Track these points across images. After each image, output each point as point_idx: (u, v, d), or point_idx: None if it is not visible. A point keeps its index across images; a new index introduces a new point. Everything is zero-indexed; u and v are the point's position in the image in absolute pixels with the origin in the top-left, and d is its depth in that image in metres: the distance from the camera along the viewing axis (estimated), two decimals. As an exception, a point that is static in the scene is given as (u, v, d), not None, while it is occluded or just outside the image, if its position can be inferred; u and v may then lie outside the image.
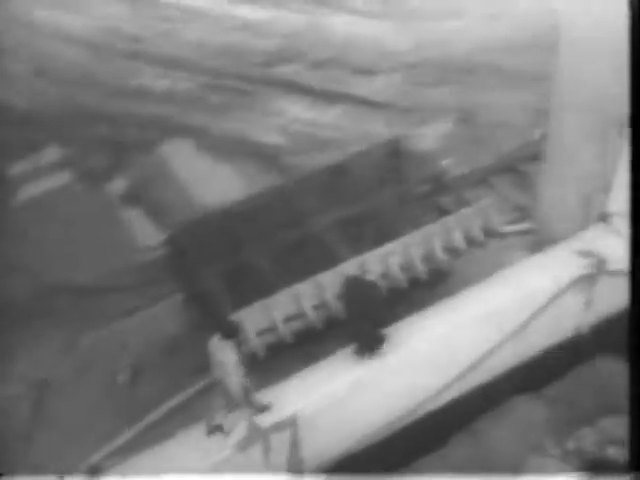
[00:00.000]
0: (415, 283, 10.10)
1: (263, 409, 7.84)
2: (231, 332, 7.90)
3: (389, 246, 9.99)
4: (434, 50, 13.97)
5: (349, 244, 10.26)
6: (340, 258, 10.02)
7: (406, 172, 11.04)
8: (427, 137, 12.16)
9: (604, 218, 9.11)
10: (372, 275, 9.84)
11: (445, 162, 11.36)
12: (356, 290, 8.47)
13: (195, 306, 10.38)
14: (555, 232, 9.31)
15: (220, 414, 7.82)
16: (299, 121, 12.96)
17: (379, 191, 10.83)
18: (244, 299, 9.55)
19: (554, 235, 9.29)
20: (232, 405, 7.77)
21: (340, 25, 14.63)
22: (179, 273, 10.59)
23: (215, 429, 7.81)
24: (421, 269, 10.10)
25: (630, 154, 7.66)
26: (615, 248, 8.86)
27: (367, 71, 13.63)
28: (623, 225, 9.10)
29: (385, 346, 8.25)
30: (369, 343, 8.29)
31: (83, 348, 10.02)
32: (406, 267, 10.06)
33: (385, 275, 9.97)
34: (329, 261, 9.99)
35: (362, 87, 13.39)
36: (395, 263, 9.97)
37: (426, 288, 9.87)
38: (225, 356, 7.74)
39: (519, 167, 11.54)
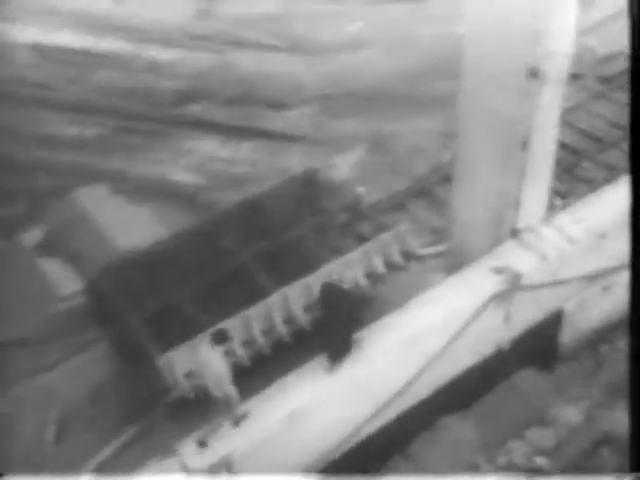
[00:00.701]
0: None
1: (240, 420, 7.83)
2: (220, 339, 7.97)
3: (311, 276, 10.09)
4: (344, 81, 14.23)
5: (273, 277, 10.31)
6: (264, 292, 10.06)
7: (323, 202, 11.19)
8: (341, 166, 12.33)
9: (515, 234, 9.36)
10: (295, 306, 9.97)
11: (360, 190, 11.56)
12: (330, 296, 8.54)
13: (121, 353, 10.22)
14: (470, 251, 9.51)
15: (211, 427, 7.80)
16: (214, 159, 12.99)
17: (298, 222, 10.93)
18: (171, 342, 9.46)
19: (470, 254, 9.48)
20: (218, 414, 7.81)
21: (250, 61, 14.76)
22: (102, 320, 10.42)
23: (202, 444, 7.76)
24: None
25: (630, 154, 7.88)
26: (528, 263, 9.14)
27: (279, 105, 13.78)
28: (533, 239, 9.43)
29: (353, 352, 8.39)
30: (340, 349, 8.39)
31: (6, 404, 9.74)
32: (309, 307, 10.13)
33: (309, 307, 10.04)
34: (254, 296, 10.01)
35: (275, 121, 13.53)
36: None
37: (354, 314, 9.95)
38: (213, 363, 7.80)
39: (432, 190, 11.83)
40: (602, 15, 14.36)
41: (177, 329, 9.85)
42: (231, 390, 7.84)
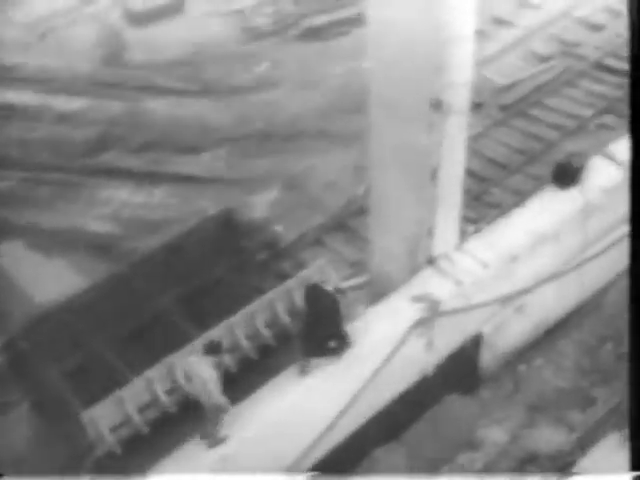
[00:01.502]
0: (265, 350, 10.21)
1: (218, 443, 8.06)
2: (213, 349, 8.10)
3: (234, 317, 10.08)
4: (256, 121, 14.36)
5: (195, 321, 10.26)
6: (187, 336, 9.99)
7: (241, 242, 11.24)
8: (257, 206, 12.40)
9: (431, 262, 9.57)
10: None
11: (278, 228, 11.66)
12: (315, 298, 8.67)
13: (43, 412, 9.96)
14: (389, 281, 9.66)
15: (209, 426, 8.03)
16: (128, 206, 12.88)
17: (217, 264, 10.93)
18: (95, 395, 9.28)
19: (389, 284, 9.63)
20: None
21: (161, 107, 14.77)
22: (22, 378, 10.16)
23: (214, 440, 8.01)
24: (268, 336, 10.24)
25: (630, 155, 8.07)
26: (445, 289, 9.34)
27: (192, 149, 13.80)
28: (448, 266, 9.66)
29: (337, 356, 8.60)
30: (322, 351, 8.55)
31: None
32: (253, 336, 10.17)
33: (234, 347, 10.02)
34: (177, 341, 9.93)
35: (188, 165, 13.53)
36: (241, 334, 10.06)
37: (276, 354, 9.98)
38: (203, 373, 7.89)
39: (349, 223, 12.01)
40: (498, 47, 14.98)
41: (100, 381, 9.68)
42: (221, 399, 7.93)
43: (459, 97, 8.77)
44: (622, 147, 11.03)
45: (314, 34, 16.30)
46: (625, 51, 14.42)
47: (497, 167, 12.78)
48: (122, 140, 14.02)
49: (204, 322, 10.06)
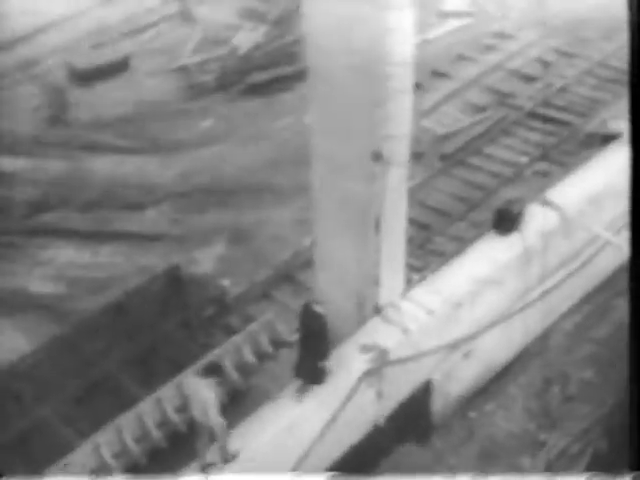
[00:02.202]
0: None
1: (231, 457, 8.20)
2: (212, 371, 8.31)
3: (182, 376, 9.95)
4: (201, 176, 14.41)
5: (142, 382, 10.13)
6: (135, 397, 9.84)
7: (188, 298, 11.17)
8: (204, 261, 12.37)
9: (378, 311, 9.65)
10: (169, 408, 9.80)
11: (225, 282, 11.64)
12: (308, 318, 8.97)
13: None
14: (337, 332, 9.68)
15: (209, 451, 8.14)
16: (73, 265, 12.73)
17: (164, 321, 10.85)
18: (40, 462, 9.04)
19: (337, 335, 9.65)
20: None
21: (104, 165, 14.73)
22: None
23: (208, 467, 8.08)
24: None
25: (631, 155, 8.17)
26: (392, 338, 9.41)
27: (136, 206, 13.74)
28: (395, 314, 9.75)
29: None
30: (313, 375, 8.89)
31: None
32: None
33: (182, 408, 9.88)
34: (124, 403, 9.77)
35: (133, 222, 13.45)
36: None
37: (225, 412, 9.89)
38: (203, 395, 8.03)
39: (296, 276, 12.06)
40: (436, 98, 15.39)
41: (46, 447, 9.45)
42: (219, 421, 8.05)
43: (400, 148, 8.98)
44: (557, 193, 11.42)
45: (258, 90, 16.53)
46: (556, 100, 15.08)
47: (439, 215, 13.02)
48: (66, 199, 13.91)
49: (152, 382, 9.94)
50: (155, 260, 12.18)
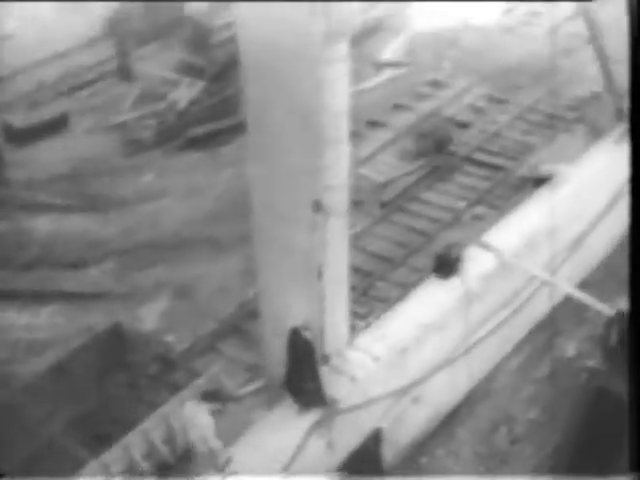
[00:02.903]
0: (164, 467, 9.88)
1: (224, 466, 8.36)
2: (209, 396, 8.73)
3: (128, 438, 9.76)
4: (143, 232, 14.35)
5: (88, 444, 9.87)
6: (82, 461, 9.59)
7: (132, 357, 11.00)
8: (147, 317, 12.26)
9: (325, 360, 9.65)
10: (115, 470, 9.58)
11: (169, 338, 11.52)
12: (296, 343, 9.21)
13: None
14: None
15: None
16: (13, 328, 12.48)
17: (108, 381, 10.65)
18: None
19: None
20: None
21: (43, 224, 14.56)
22: None
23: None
24: (165, 451, 9.92)
25: (630, 154, 8.21)
26: (340, 386, 9.41)
27: (77, 265, 13.59)
28: (342, 363, 9.77)
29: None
30: (309, 398, 9.23)
31: None
32: (150, 454, 9.82)
33: (129, 469, 9.67)
34: (70, 467, 9.52)
35: (74, 281, 13.28)
36: (137, 454, 9.71)
37: (176, 471, 9.70)
38: (201, 419, 8.38)
39: (241, 328, 12.02)
40: (374, 147, 15.69)
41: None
42: (217, 443, 8.34)
43: (339, 197, 9.10)
44: (494, 235, 11.69)
45: (197, 143, 16.62)
46: (489, 145, 15.50)
47: (381, 262, 13.16)
48: (4, 260, 13.67)
49: (98, 444, 9.70)
50: (98, 319, 11.98)
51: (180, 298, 12.72)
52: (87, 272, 13.50)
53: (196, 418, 8.38)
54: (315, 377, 9.29)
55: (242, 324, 12.07)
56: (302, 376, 9.29)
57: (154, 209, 14.93)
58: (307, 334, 9.23)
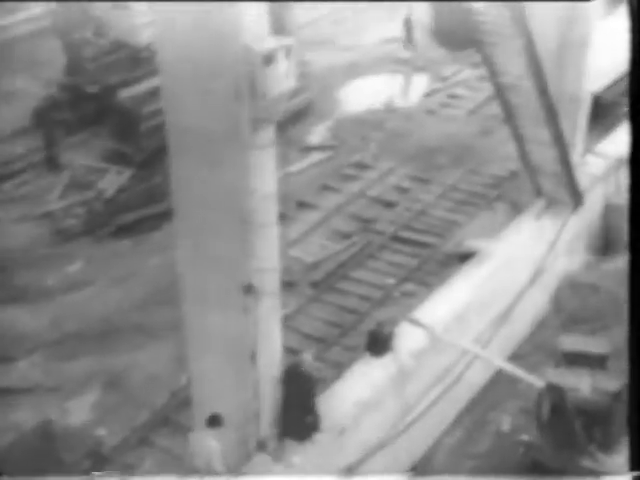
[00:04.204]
0: None
1: None
2: (214, 422, 8.72)
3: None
4: (72, 322, 14.06)
5: None
6: None
7: (62, 453, 10.64)
8: (77, 411, 11.88)
9: (262, 446, 9.52)
10: None
11: (101, 432, 11.19)
12: (292, 378, 9.58)
13: None
14: (221, 470, 9.43)
15: None
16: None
17: (37, 480, 10.25)
18: None
19: (222, 473, 9.41)
20: None
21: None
22: None
23: None
24: None
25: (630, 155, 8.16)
26: (278, 471, 9.27)
27: (5, 359, 13.16)
28: (282, 449, 9.66)
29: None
30: (302, 430, 9.61)
31: None
32: None
33: None
34: None
35: (2, 376, 12.87)
36: None
37: None
38: (207, 446, 8.55)
39: (174, 417, 11.74)
40: (303, 228, 15.88)
41: None
42: (223, 469, 8.59)
43: (270, 280, 9.16)
44: (424, 312, 11.87)
45: (126, 231, 16.52)
46: (415, 223, 15.85)
47: (314, 342, 13.13)
48: None
49: None
50: (26, 415, 11.61)
51: (111, 389, 12.39)
52: (15, 366, 13.07)
53: (204, 444, 8.63)
54: (314, 409, 9.71)
55: (174, 413, 11.78)
56: (302, 409, 9.63)
57: (83, 298, 14.68)
58: (304, 367, 9.69)
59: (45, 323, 14.10)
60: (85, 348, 13.39)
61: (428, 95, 21.24)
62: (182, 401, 11.43)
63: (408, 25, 22.71)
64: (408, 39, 22.74)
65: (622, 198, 14.93)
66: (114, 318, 13.98)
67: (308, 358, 9.93)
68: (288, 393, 9.61)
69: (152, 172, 17.28)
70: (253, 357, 9.18)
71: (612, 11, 21.03)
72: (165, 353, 12.76)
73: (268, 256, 9.05)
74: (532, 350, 13.03)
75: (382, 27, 24.61)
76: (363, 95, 21.02)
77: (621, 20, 21.55)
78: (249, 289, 8.89)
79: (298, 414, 9.59)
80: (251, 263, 8.83)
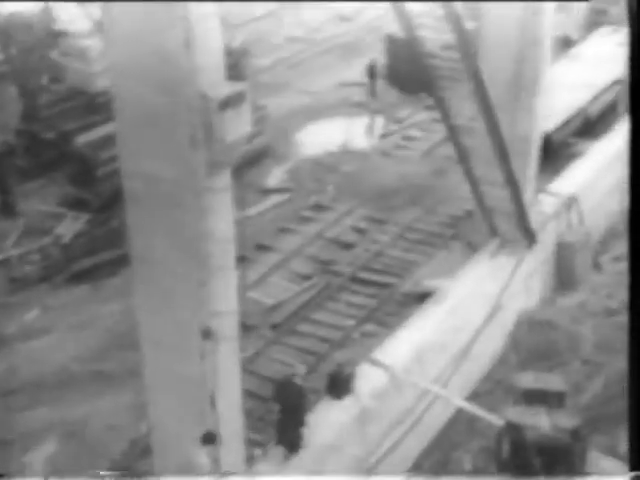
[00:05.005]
0: None
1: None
2: (209, 439, 8.83)
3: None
4: (29, 371, 13.81)
5: None
6: None
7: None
8: (34, 464, 11.64)
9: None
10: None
11: (56, 484, 10.97)
12: (285, 392, 10.10)
13: None
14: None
15: None
16: None
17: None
18: None
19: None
20: None
21: None
22: None
23: None
24: None
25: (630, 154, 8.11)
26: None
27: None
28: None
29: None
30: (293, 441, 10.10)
31: None
32: None
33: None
34: None
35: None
36: None
37: None
38: (201, 462, 8.72)
39: (134, 466, 11.53)
40: (262, 270, 15.93)
41: None
42: None
43: (229, 323, 9.13)
44: (384, 352, 11.91)
45: (83, 277, 16.38)
46: (373, 264, 15.96)
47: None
48: None
49: None
50: (-22, 470, 11.34)
51: (69, 439, 12.17)
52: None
53: (198, 461, 8.78)
54: (304, 421, 10.13)
55: (134, 462, 11.59)
56: (295, 421, 10.04)
57: (40, 346, 14.46)
58: (297, 380, 10.15)
59: (0, 372, 13.84)
60: (42, 397, 13.14)
61: (383, 137, 21.58)
62: (143, 449, 11.27)
63: (372, 72, 23.17)
64: (372, 86, 23.19)
65: (573, 235, 15.33)
66: (72, 366, 13.79)
67: (300, 372, 10.43)
68: (280, 405, 10.14)
69: (109, 217, 17.20)
70: (213, 402, 9.11)
71: (561, 54, 21.86)
72: (124, 401, 12.58)
73: (227, 299, 9.03)
74: (491, 388, 13.12)
75: (338, 71, 25.06)
76: (320, 138, 21.27)
77: (569, 64, 22.32)
78: (207, 333, 8.84)
79: (290, 425, 10.06)
80: (209, 307, 8.81)
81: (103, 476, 10.01)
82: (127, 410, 12.38)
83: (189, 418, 9.24)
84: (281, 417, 10.14)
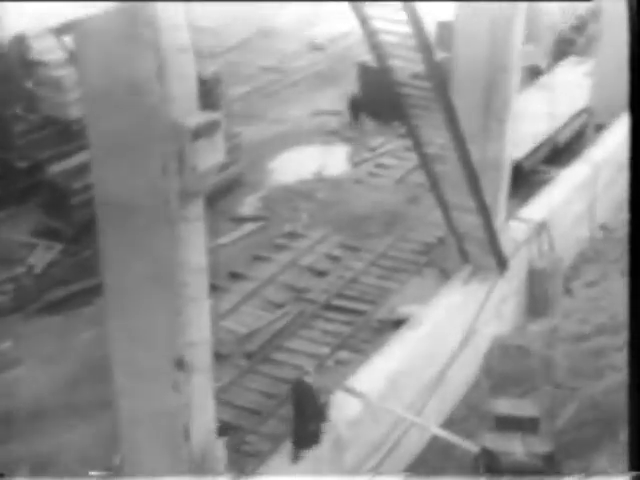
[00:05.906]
0: None
1: None
2: (223, 431, 9.34)
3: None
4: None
5: None
6: None
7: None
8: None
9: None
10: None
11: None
12: (300, 392, 10.45)
13: None
14: None
15: None
16: None
17: None
18: None
19: None
20: None
21: None
22: None
23: None
24: None
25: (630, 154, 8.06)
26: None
27: None
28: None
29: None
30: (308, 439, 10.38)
31: None
32: None
33: None
34: None
35: None
36: None
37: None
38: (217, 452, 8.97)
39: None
40: (236, 299, 15.89)
41: None
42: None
43: (202, 353, 9.09)
44: (358, 380, 11.89)
45: (56, 307, 16.24)
46: (347, 291, 16.00)
47: (250, 414, 13.01)
48: None
49: None
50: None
51: (39, 473, 11.98)
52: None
53: (214, 451, 8.95)
54: (318, 417, 10.44)
55: (108, 493, 11.45)
56: (309, 418, 10.34)
57: (10, 378, 14.27)
58: (309, 379, 10.48)
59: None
60: (12, 431, 12.96)
61: (356, 165, 21.75)
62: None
63: (355, 104, 23.38)
64: (354, 117, 23.36)
65: (544, 261, 15.48)
66: (44, 398, 13.62)
67: (311, 372, 10.78)
68: (295, 406, 10.48)
69: (82, 246, 17.12)
70: (187, 432, 9.04)
71: (530, 84, 22.25)
72: (97, 432, 12.43)
73: (200, 329, 9.00)
74: (465, 414, 13.15)
75: (312, 100, 25.26)
76: (294, 166, 21.39)
77: (538, 92, 22.68)
78: (180, 364, 8.80)
79: (305, 424, 10.39)
80: (182, 337, 8.77)
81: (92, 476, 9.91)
82: (100, 442, 12.24)
83: (163, 450, 9.16)
84: (295, 416, 10.48)
